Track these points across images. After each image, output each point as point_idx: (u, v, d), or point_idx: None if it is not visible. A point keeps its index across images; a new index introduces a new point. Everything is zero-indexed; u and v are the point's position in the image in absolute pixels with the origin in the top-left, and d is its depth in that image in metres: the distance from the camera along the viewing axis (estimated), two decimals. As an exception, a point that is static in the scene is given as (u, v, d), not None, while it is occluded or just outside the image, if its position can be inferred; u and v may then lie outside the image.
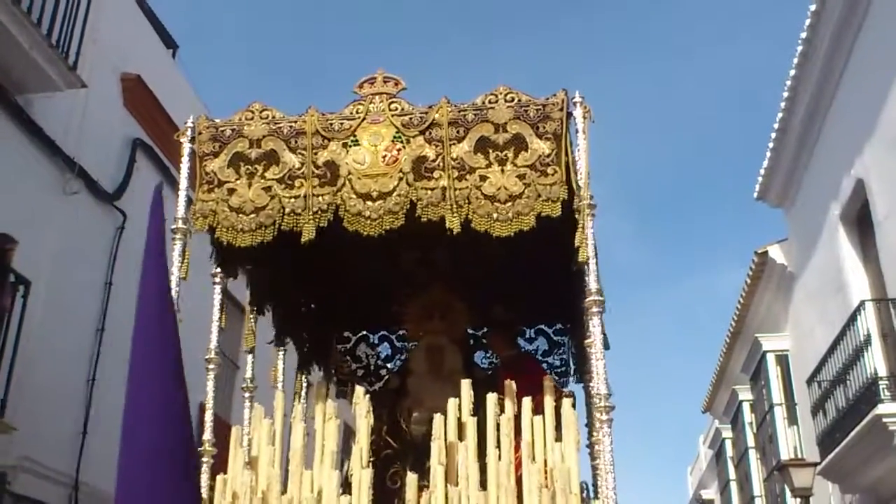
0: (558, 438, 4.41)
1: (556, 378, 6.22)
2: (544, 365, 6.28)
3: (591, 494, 4.93)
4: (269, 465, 4.33)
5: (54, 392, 8.86)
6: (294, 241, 4.63)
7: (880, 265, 10.16)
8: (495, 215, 4.42)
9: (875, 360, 9.38)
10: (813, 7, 10.50)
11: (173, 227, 4.71)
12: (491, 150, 4.53)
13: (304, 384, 6.14)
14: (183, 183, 4.82)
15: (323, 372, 6.31)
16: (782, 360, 13.64)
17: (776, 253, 13.42)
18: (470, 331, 6.30)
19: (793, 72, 11.39)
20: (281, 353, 5.96)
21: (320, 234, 4.61)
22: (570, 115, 4.61)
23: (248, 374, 5.52)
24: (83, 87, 9.26)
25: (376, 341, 6.57)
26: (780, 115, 12.13)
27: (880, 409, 8.74)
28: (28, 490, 8.50)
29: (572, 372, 6.24)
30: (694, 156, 49.51)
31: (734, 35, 46.80)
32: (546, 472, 4.26)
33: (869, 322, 9.63)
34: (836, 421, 10.28)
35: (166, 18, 12.11)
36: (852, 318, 9.82)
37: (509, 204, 4.42)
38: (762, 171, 13.30)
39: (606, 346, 4.62)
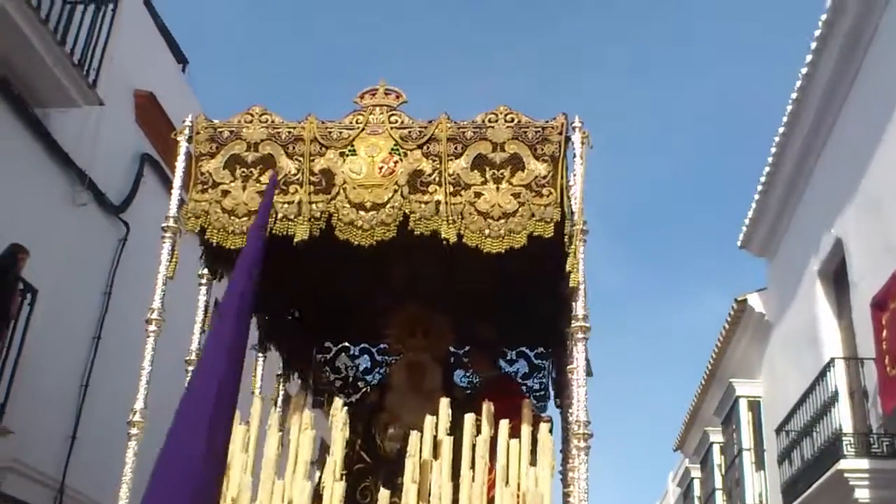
0: (533, 463, 4.20)
1: (535, 402, 5.91)
2: (523, 388, 5.97)
3: None
4: (241, 472, 4.01)
5: (48, 397, 8.51)
6: (283, 248, 4.33)
7: (853, 324, 9.90)
8: (487, 231, 4.19)
9: (841, 416, 9.29)
10: (804, 70, 10.36)
11: (164, 224, 4.44)
12: (488, 168, 4.32)
13: (282, 393, 5.75)
14: (177, 182, 4.51)
15: (301, 382, 5.94)
16: (754, 406, 13.31)
17: (755, 301, 13.14)
18: (452, 349, 5.95)
19: (782, 129, 11.21)
20: (261, 359, 5.60)
21: (310, 242, 4.33)
22: (568, 139, 4.40)
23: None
24: (100, 104, 9.00)
25: (357, 353, 6.23)
26: (767, 168, 11.93)
27: (843, 464, 8.62)
28: (15, 491, 8.12)
29: (551, 397, 5.93)
30: (683, 194, 48.50)
31: (734, 68, 45.37)
32: (519, 496, 4.07)
33: (838, 379, 9.53)
34: (800, 471, 10.12)
35: (177, 32, 11.73)
36: (822, 374, 9.69)
37: (502, 221, 4.21)
38: (747, 221, 13.07)
39: (589, 374, 4.35)
